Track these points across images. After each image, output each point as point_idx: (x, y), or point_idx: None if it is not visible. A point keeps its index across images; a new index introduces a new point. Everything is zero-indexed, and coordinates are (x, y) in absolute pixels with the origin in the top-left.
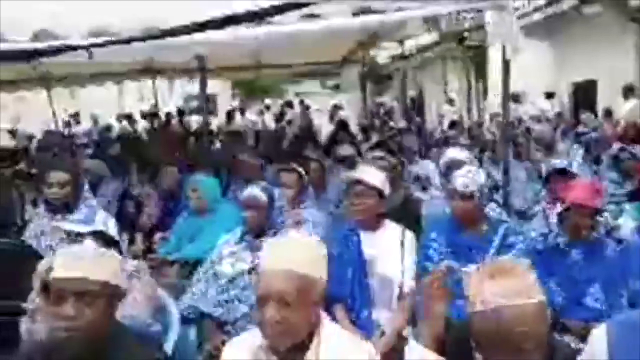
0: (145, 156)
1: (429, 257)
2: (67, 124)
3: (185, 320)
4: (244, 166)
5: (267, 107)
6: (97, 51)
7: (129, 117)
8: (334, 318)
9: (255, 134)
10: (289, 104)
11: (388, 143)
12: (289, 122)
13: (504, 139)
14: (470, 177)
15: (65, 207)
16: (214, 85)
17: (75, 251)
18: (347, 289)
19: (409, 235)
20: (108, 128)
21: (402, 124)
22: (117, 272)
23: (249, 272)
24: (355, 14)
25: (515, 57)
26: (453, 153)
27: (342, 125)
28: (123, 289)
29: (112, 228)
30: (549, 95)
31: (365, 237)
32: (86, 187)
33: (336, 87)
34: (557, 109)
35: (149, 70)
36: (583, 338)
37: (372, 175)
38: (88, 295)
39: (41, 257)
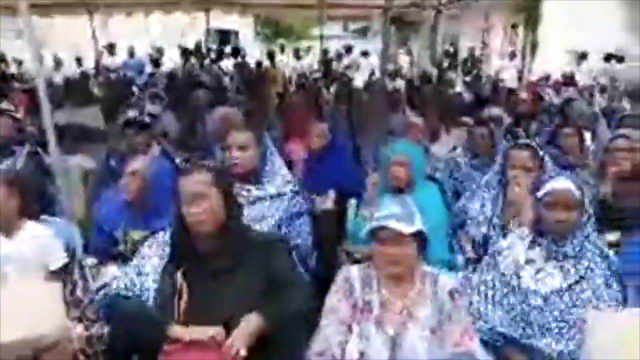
0: None
1: None
2: (101, 55)
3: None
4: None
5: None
6: None
7: (190, 53)
8: None
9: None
10: (349, 49)
11: None
12: (348, 68)
13: None
14: None
15: (248, 175)
16: (233, 22)
17: None
18: None
19: None
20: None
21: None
22: None
23: (559, 292)
24: None
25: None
26: None
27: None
28: None
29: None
30: (615, 58)
31: None
32: (272, 149)
33: (362, 32)
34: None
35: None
36: None
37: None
38: None
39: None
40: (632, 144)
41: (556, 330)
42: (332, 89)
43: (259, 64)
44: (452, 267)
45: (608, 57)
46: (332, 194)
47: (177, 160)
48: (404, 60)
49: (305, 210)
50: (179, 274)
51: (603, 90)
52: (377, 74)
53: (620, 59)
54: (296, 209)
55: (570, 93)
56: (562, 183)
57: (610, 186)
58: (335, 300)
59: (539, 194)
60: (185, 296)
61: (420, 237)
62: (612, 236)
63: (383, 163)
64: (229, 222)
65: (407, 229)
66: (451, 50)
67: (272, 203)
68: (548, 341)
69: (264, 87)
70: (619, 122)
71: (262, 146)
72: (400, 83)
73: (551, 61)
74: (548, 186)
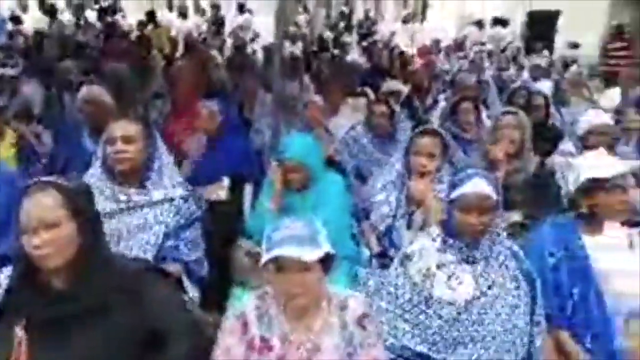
0: None
1: None
2: None
3: None
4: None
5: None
6: None
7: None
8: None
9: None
10: (242, 7)
11: None
12: (241, 29)
13: None
14: None
15: (133, 174)
16: None
17: None
18: None
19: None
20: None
21: None
22: None
23: (472, 301)
24: None
25: None
26: None
27: None
28: None
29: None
30: (501, 23)
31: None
32: (159, 144)
33: None
34: (509, 39)
35: None
36: None
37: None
38: None
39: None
40: (518, 120)
41: (469, 342)
42: (224, 55)
43: (140, 25)
44: (355, 261)
45: (495, 22)
46: (225, 181)
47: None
48: (300, 19)
49: (197, 217)
50: (17, 327)
51: (490, 55)
52: (264, 36)
53: (505, 23)
54: (186, 217)
55: (461, 61)
56: (476, 186)
57: (502, 168)
58: (227, 340)
59: (452, 195)
60: (24, 356)
61: (326, 258)
62: (517, 216)
63: (279, 162)
64: (87, 253)
65: (312, 254)
66: (346, 11)
67: (156, 210)
68: (461, 354)
69: (144, 56)
70: (509, 96)
71: (151, 139)
72: (299, 46)
73: (442, 26)
74: (462, 189)
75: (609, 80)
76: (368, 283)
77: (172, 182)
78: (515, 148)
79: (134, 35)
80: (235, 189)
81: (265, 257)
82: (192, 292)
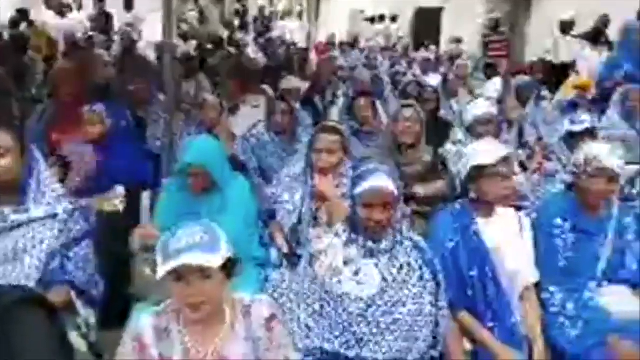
0: None
1: (555, 249)
2: None
3: None
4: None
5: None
6: None
7: None
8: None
9: None
10: (129, 4)
11: None
12: (130, 26)
13: None
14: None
15: (7, 190)
16: None
17: None
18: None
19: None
20: None
21: None
22: None
23: (380, 294)
24: None
25: None
26: None
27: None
28: None
29: None
30: (391, 19)
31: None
32: (37, 155)
33: None
34: (400, 34)
35: None
36: None
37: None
38: None
39: None
40: (417, 113)
41: (379, 334)
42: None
43: (14, 24)
44: (265, 263)
45: (382, 17)
46: (120, 190)
47: None
48: (191, 17)
49: (86, 232)
50: None
51: (383, 50)
52: (153, 34)
53: (395, 19)
54: (73, 234)
55: (355, 56)
56: (379, 181)
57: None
58: None
59: (355, 192)
60: None
61: (228, 262)
62: (414, 205)
63: (180, 167)
64: None
65: (214, 259)
66: (240, 8)
67: (38, 229)
68: (372, 348)
69: (20, 58)
70: (402, 89)
71: (27, 150)
72: (192, 44)
73: (336, 21)
74: (364, 185)
75: (491, 72)
76: (277, 285)
77: (54, 196)
78: (413, 139)
79: (6, 34)
80: (131, 198)
81: (162, 269)
82: (85, 314)
